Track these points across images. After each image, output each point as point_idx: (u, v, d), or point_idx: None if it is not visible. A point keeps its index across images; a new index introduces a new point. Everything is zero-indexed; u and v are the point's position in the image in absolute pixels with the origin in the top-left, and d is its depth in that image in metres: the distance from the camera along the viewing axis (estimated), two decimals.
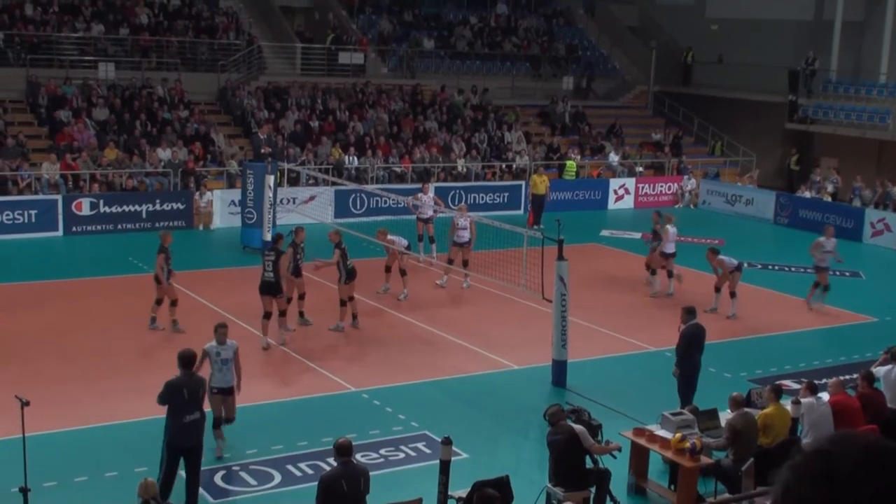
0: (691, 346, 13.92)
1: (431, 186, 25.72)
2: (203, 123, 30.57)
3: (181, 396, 10.80)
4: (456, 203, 28.84)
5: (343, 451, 9.51)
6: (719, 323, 19.51)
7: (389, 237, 20.06)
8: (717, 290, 20.29)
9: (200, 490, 11.46)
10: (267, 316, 17.01)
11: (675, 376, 14.06)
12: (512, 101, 37.95)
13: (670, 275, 21.53)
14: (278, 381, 15.43)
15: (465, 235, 21.22)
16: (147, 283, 20.98)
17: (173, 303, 17.60)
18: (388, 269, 20.65)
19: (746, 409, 11.66)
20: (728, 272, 20.01)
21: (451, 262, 21.27)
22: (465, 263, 21.09)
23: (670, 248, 21.37)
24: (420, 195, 23.88)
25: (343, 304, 18.08)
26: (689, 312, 14.17)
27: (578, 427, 10.83)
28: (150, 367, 15.71)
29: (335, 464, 9.70)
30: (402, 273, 20.36)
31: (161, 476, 10.71)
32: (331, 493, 9.32)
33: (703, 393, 14.05)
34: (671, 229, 21.35)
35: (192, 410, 10.81)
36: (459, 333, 18.23)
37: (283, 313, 17.22)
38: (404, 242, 20.48)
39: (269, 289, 16.92)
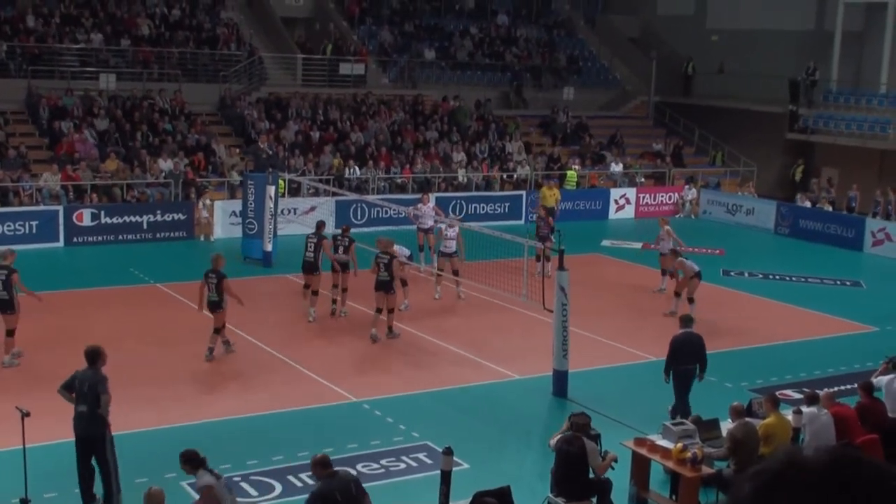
0: (676, 354, 14.04)
1: (432, 197, 25.77)
2: (204, 134, 30.61)
3: (75, 387, 11.20)
4: (457, 213, 28.87)
5: (325, 464, 9.37)
6: (719, 333, 19.51)
7: (395, 247, 20.09)
8: (677, 294, 20.31)
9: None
10: (306, 286, 19.54)
11: (666, 383, 14.21)
12: (512, 112, 37.99)
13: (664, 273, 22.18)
14: (279, 391, 15.41)
15: (452, 246, 21.21)
16: (148, 294, 21.03)
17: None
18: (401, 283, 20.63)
19: (747, 419, 11.65)
20: (688, 276, 20.03)
21: (441, 270, 21.36)
22: (456, 273, 21.10)
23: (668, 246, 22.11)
24: (420, 205, 23.90)
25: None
26: (682, 321, 14.54)
27: (591, 444, 10.82)
28: (148, 379, 15.73)
29: (317, 480, 9.54)
30: (403, 283, 20.38)
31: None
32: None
33: (704, 403, 14.04)
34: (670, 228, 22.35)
35: (79, 403, 11.14)
36: (460, 344, 18.22)
37: (315, 293, 19.30)
38: (406, 252, 20.50)
39: (309, 268, 19.38)
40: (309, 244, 19.53)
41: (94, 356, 11.42)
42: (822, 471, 1.77)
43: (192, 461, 9.68)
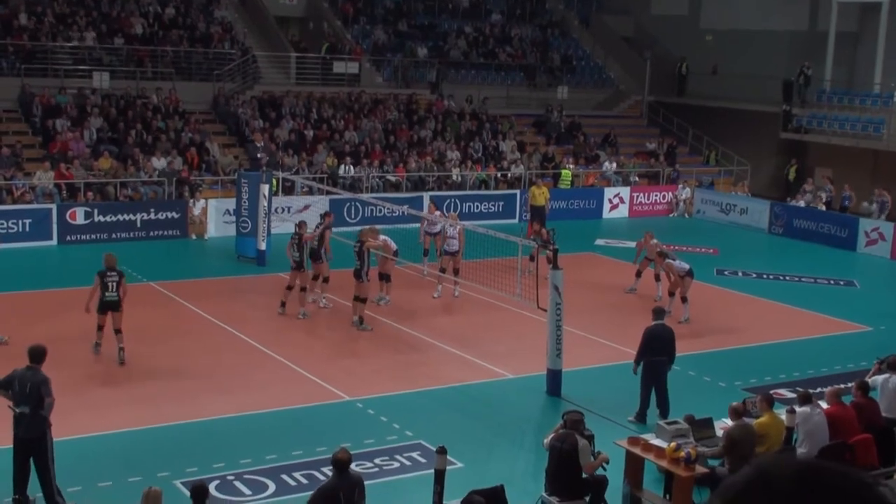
0: (649, 346, 14.29)
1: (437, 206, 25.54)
2: (198, 133, 30.55)
3: (14, 387, 11.00)
4: (451, 212, 28.82)
5: (342, 466, 9.52)
6: (713, 332, 19.54)
7: (382, 237, 20.05)
8: (671, 294, 20.37)
9: None
10: (289, 287, 19.73)
11: (634, 374, 14.45)
12: (507, 111, 37.99)
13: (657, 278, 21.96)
14: (272, 390, 15.39)
15: (455, 244, 21.18)
16: (141, 292, 20.94)
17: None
18: (381, 278, 20.56)
19: (745, 420, 11.66)
20: (678, 277, 20.01)
21: (443, 270, 21.33)
22: (456, 272, 21.08)
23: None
24: (429, 214, 23.46)
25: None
26: (655, 313, 14.83)
27: (583, 441, 10.81)
28: (142, 377, 15.70)
29: (330, 475, 9.72)
30: (387, 279, 20.36)
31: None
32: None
33: (697, 402, 14.07)
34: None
35: (20, 403, 10.93)
36: (454, 342, 18.21)
37: (303, 289, 19.56)
38: (393, 247, 20.43)
39: (297, 266, 19.65)
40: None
41: (37, 356, 11.20)
42: (789, 483, 1.78)
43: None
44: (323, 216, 20.66)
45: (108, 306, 16.23)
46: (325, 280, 20.13)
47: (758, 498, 1.78)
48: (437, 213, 24.15)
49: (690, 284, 20.01)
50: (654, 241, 22.02)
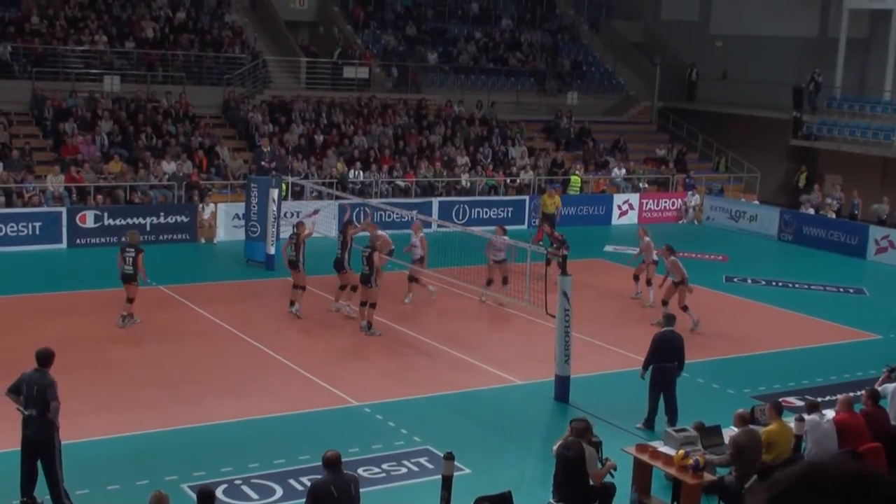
0: (656, 352, 14.34)
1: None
2: (208, 137, 30.62)
3: (23, 390, 11.02)
4: (460, 217, 28.85)
5: (331, 464, 9.64)
6: (722, 339, 19.49)
7: (380, 232, 20.10)
8: (665, 303, 19.47)
9: None
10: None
11: (642, 378, 14.50)
12: (516, 116, 38.00)
13: (649, 283, 21.81)
14: (280, 394, 15.40)
15: (418, 252, 21.05)
16: (150, 296, 20.99)
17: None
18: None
19: (751, 427, 11.63)
20: (679, 280, 19.64)
21: (412, 279, 21.26)
22: (412, 279, 21.08)
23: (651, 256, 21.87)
24: (497, 238, 20.99)
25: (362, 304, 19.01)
26: (665, 318, 15.01)
27: (589, 449, 10.79)
28: (150, 381, 15.73)
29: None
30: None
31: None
32: (321, 499, 9.43)
33: (706, 409, 14.03)
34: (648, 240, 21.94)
35: (28, 406, 10.95)
36: (462, 348, 18.20)
37: (296, 287, 19.75)
38: (391, 246, 20.46)
39: (291, 265, 20.00)
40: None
41: (45, 359, 11.23)
42: (842, 483, 1.77)
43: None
44: (345, 224, 20.72)
45: (126, 279, 18.48)
46: (354, 289, 19.79)
47: (806, 492, 1.77)
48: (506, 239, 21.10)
49: (685, 293, 19.76)
50: (648, 238, 21.89)
